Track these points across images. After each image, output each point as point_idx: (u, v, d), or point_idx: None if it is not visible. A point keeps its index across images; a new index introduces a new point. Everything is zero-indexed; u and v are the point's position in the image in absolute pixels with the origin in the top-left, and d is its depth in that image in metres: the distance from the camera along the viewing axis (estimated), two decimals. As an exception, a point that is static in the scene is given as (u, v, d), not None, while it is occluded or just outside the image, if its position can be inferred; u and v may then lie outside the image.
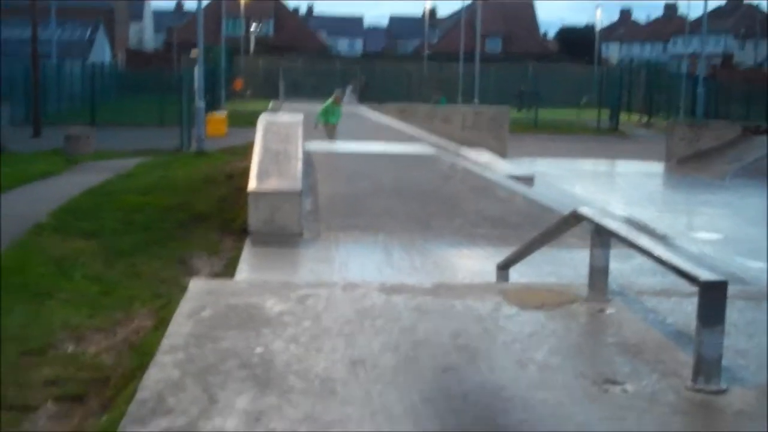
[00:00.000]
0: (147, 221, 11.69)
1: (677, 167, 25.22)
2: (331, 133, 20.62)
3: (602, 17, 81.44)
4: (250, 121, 22.92)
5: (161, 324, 5.08)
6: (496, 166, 17.71)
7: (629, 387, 4.12)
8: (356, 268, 10.00)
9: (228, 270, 9.75)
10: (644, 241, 4.93)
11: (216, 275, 9.71)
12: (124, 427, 3.52)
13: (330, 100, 21.55)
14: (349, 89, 20.75)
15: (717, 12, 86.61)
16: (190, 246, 10.75)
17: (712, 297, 4.11)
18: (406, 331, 4.82)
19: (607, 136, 36.57)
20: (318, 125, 20.34)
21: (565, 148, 30.33)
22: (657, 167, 25.73)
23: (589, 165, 26.54)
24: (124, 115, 33.97)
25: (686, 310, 5.22)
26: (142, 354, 4.72)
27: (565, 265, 10.01)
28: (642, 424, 3.76)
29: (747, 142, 25.42)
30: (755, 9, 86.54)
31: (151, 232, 11.17)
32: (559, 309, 5.32)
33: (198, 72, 25.53)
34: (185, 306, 5.12)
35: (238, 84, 53.50)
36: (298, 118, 15.01)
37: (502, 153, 24.00)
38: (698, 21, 56.18)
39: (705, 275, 4.17)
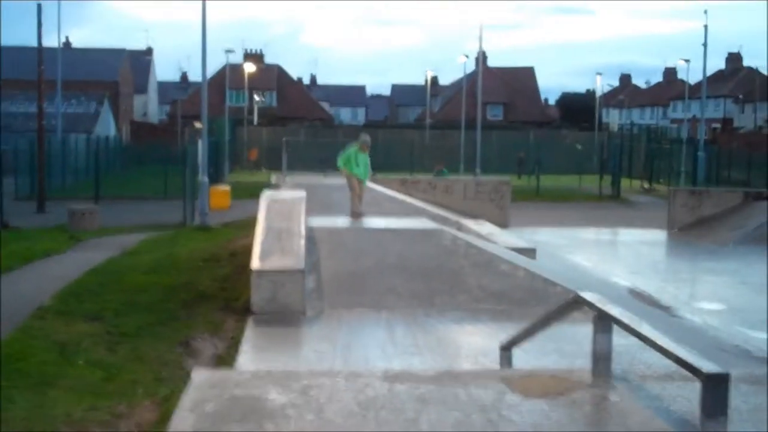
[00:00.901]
0: (150, 302, 11.70)
1: (679, 234, 25.25)
2: (355, 189, 16.80)
3: (602, 82, 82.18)
4: (253, 193, 23.09)
5: (164, 417, 5.06)
6: (498, 238, 17.74)
7: (634, 482, 4.09)
8: (359, 347, 9.97)
9: (231, 351, 9.73)
10: (646, 329, 4.94)
11: (218, 357, 9.69)
12: None
13: (354, 147, 16.97)
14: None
15: (717, 76, 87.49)
16: (194, 327, 10.74)
17: (715, 389, 4.11)
18: (410, 423, 4.81)
19: (608, 203, 36.67)
20: (342, 170, 16.95)
21: (567, 216, 30.41)
22: (659, 234, 25.75)
23: (591, 233, 26.58)
24: (128, 188, 34.22)
25: (690, 396, 5.19)
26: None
27: (567, 341, 9.98)
28: None
29: (749, 209, 25.46)
30: (755, 72, 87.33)
31: (155, 314, 11.17)
32: (563, 397, 5.30)
33: (201, 146, 25.75)
34: (187, 399, 5.11)
35: (253, 154, 54.02)
36: (301, 194, 15.11)
37: (504, 223, 24.07)
38: (698, 85, 56.71)
39: (707, 367, 4.17)
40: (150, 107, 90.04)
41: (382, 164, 47.00)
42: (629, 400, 5.24)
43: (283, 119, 70.45)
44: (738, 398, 5.16)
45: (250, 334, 10.41)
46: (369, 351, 9.85)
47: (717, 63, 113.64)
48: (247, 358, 9.26)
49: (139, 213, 27.21)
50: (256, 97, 73.10)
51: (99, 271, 14.04)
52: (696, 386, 4.28)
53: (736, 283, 17.08)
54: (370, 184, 27.27)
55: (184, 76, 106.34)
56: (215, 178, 36.12)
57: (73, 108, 53.95)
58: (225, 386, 5.38)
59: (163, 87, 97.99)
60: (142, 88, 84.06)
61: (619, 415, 5.01)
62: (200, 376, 5.64)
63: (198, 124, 29.23)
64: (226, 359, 9.53)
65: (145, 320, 10.84)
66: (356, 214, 16.57)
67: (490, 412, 5.03)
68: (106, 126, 58.36)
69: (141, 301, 11.72)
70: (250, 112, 68.76)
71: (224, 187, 32.85)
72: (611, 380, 5.51)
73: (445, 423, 4.84)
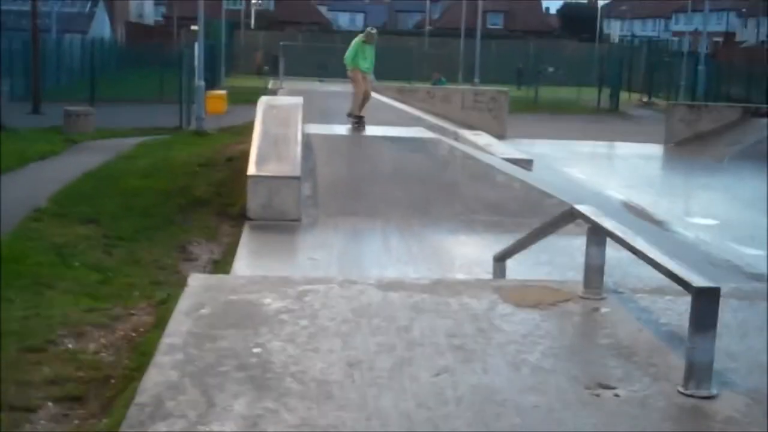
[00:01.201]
0: (147, 206, 11.74)
1: (676, 149, 25.24)
2: (360, 85, 15.23)
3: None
4: (250, 98, 22.94)
5: (160, 321, 5.14)
6: (495, 149, 17.73)
7: (621, 392, 4.17)
8: (354, 255, 10.06)
9: (227, 256, 9.81)
10: (639, 243, 4.97)
11: (215, 262, 9.79)
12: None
13: (358, 39, 15.53)
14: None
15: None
16: (189, 231, 10.82)
17: (705, 303, 4.15)
18: (402, 331, 4.87)
19: (607, 116, 36.54)
20: (350, 70, 15.35)
21: (565, 128, 30.31)
22: (656, 149, 25.74)
23: (588, 147, 26.54)
24: (124, 91, 33.93)
25: (680, 309, 5.26)
26: (141, 354, 4.78)
27: (561, 253, 10.07)
28: (633, 430, 3.83)
29: (747, 124, 25.41)
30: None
31: (151, 218, 11.23)
32: (554, 308, 5.38)
33: (198, 50, 25.47)
34: (184, 303, 5.17)
35: (258, 58, 53.34)
36: (298, 100, 15.02)
37: (502, 134, 24.02)
38: (701, -2, 55.91)
39: (698, 281, 4.21)
40: (146, 8, 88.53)
41: (381, 72, 46.53)
42: (619, 312, 5.31)
43: (280, 23, 69.54)
44: (727, 313, 5.23)
45: (245, 240, 10.49)
46: (364, 259, 9.96)
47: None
48: (242, 264, 9.35)
49: (135, 116, 27.05)
50: (254, 0, 72.00)
51: (95, 175, 14.05)
52: (686, 300, 4.33)
53: (730, 199, 17.16)
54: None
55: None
56: (212, 82, 35.83)
57: (67, 7, 53.08)
58: (221, 291, 5.44)
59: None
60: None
61: (608, 326, 5.08)
62: (196, 280, 5.69)
63: (194, 27, 28.81)
64: (222, 265, 9.63)
65: (141, 224, 10.90)
66: (357, 119, 15.16)
67: (481, 321, 5.10)
68: (101, 27, 57.54)
69: (137, 205, 11.76)
70: (248, 15, 67.84)
71: (221, 92, 32.62)
72: (603, 292, 5.57)
73: (437, 331, 4.91)
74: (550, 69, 49.14)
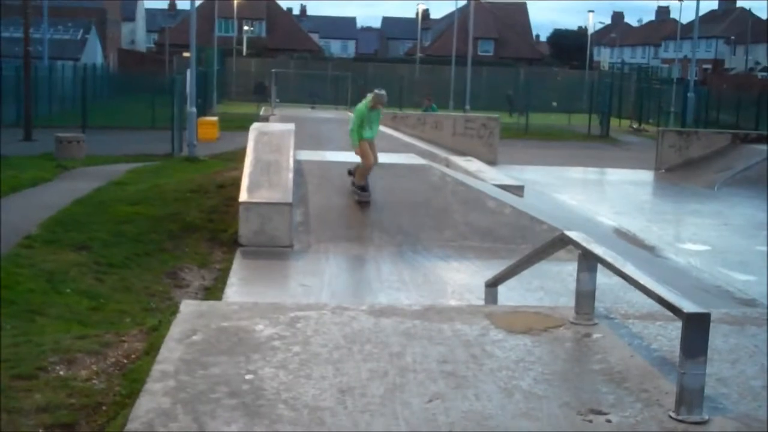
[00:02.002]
0: (138, 233, 11.72)
1: (667, 175, 25.33)
2: (368, 157, 13.01)
3: (594, 20, 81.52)
4: (241, 125, 22.98)
5: (152, 347, 5.13)
6: (486, 175, 17.77)
7: (613, 417, 4.18)
8: (345, 282, 10.07)
9: (218, 283, 9.80)
10: (630, 269, 4.99)
11: (206, 289, 9.76)
12: (115, 459, 3.57)
13: (363, 104, 13.24)
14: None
15: (710, 16, 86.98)
16: (181, 258, 10.80)
17: (696, 328, 4.16)
18: (394, 357, 4.87)
19: (597, 143, 36.65)
20: (356, 148, 13.00)
21: (556, 155, 30.41)
22: (646, 175, 25.82)
23: (578, 173, 26.62)
24: (116, 118, 33.94)
25: (671, 335, 5.29)
26: (133, 380, 4.77)
27: (552, 279, 10.11)
28: (624, 456, 3.83)
29: (736, 151, 25.52)
30: (748, 13, 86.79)
31: (142, 244, 11.21)
32: (546, 334, 5.39)
33: (190, 77, 25.53)
34: (176, 329, 5.17)
35: (268, 86, 52.77)
36: (290, 127, 15.06)
37: (493, 161, 24.08)
38: (690, 25, 56.49)
39: (688, 307, 4.23)
40: (138, 35, 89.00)
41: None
42: (611, 338, 5.32)
43: (272, 50, 69.79)
44: (718, 338, 5.26)
45: (237, 267, 10.49)
46: (355, 285, 9.96)
47: (710, 3, 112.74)
48: (234, 291, 9.34)
49: (127, 143, 27.06)
50: (246, 27, 72.30)
51: (86, 201, 14.02)
52: (677, 326, 4.35)
53: (720, 225, 17.21)
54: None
55: (172, 4, 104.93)
56: (203, 109, 35.91)
57: (59, 34, 53.25)
58: (213, 317, 5.44)
59: (151, 14, 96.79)
60: (129, 16, 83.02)
61: (600, 352, 5.09)
62: (188, 307, 5.69)
63: (186, 54, 28.92)
64: (213, 291, 9.61)
65: (132, 251, 10.88)
66: (361, 188, 13.11)
67: (473, 347, 5.11)
68: (93, 53, 57.69)
69: (128, 232, 11.74)
70: (239, 42, 68.09)
71: (212, 119, 32.69)
72: (594, 318, 5.59)
73: (430, 357, 4.91)
74: (554, 103, 49.34)
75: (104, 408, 4.58)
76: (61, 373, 5.07)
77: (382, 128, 23.87)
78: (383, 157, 13.71)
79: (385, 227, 12.31)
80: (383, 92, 13.22)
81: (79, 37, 56.12)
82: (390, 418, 4.07)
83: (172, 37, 66.46)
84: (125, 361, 5.27)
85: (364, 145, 12.98)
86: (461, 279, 10.39)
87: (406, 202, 12.97)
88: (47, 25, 43.36)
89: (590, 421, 4.14)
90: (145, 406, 4.08)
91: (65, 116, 34.32)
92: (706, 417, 4.15)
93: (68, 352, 5.33)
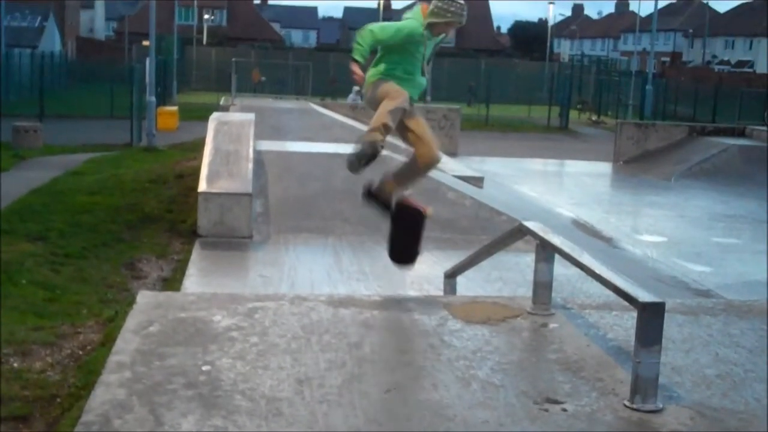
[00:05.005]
0: (95, 223, 11.60)
1: (625, 167, 25.58)
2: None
3: (554, 12, 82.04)
4: (201, 115, 22.81)
5: (108, 339, 5.08)
6: (446, 166, 17.77)
7: (569, 406, 4.21)
8: (305, 273, 10.04)
9: (177, 274, 9.73)
10: (586, 258, 5.04)
11: (164, 279, 9.69)
12: (69, 451, 3.54)
13: (417, 12, 6.26)
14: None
15: (668, 9, 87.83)
16: (139, 249, 10.70)
17: (650, 318, 4.20)
18: (353, 348, 4.87)
19: (556, 135, 36.93)
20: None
21: (516, 146, 30.59)
22: (605, 167, 26.06)
23: (538, 164, 26.80)
24: (74, 107, 33.55)
25: (626, 325, 5.34)
26: (88, 372, 4.72)
27: (511, 269, 10.18)
28: (580, 445, 3.87)
29: (693, 143, 25.84)
30: (706, 7, 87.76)
31: (100, 235, 11.10)
32: (503, 324, 5.42)
33: (149, 65, 25.30)
34: (132, 320, 5.12)
35: (256, 76, 51.70)
36: (250, 116, 14.98)
37: (453, 152, 24.14)
38: (649, 18, 57.01)
39: (643, 296, 4.27)
40: (97, 23, 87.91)
41: (332, 89, 46.77)
42: (567, 328, 5.37)
43: (233, 39, 69.36)
44: (673, 328, 5.32)
45: (196, 257, 10.42)
46: (315, 276, 9.94)
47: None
48: (193, 282, 9.28)
49: (85, 132, 26.76)
50: (206, 16, 71.77)
51: (43, 191, 13.86)
52: (633, 315, 4.39)
53: (676, 217, 17.42)
54: (317, 109, 24.39)
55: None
56: (163, 98, 35.61)
57: (17, 21, 52.45)
58: (170, 308, 5.39)
59: (111, 2, 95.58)
60: (88, 3, 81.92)
61: (556, 342, 5.13)
62: (145, 298, 5.64)
63: (146, 42, 28.66)
64: (171, 282, 9.54)
65: (89, 241, 10.77)
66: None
67: (432, 337, 5.12)
68: (51, 41, 56.93)
69: (86, 222, 11.62)
70: (200, 31, 67.58)
71: (172, 108, 32.43)
72: (551, 308, 5.63)
73: (388, 347, 4.92)
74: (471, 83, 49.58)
75: (59, 400, 4.54)
76: (16, 365, 5.02)
77: (343, 119, 23.81)
78: (343, 148, 13.62)
79: (345, 218, 12.29)
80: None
81: (36, 24, 55.35)
82: (348, 408, 4.07)
83: (132, 26, 65.83)
84: (81, 352, 5.22)
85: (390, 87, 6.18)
86: (421, 270, 10.35)
87: (367, 192, 12.94)
88: (4, 12, 42.65)
89: (546, 410, 4.17)
90: (100, 397, 4.04)
91: (22, 105, 33.84)
92: (661, 405, 4.19)
93: (23, 344, 5.27)
